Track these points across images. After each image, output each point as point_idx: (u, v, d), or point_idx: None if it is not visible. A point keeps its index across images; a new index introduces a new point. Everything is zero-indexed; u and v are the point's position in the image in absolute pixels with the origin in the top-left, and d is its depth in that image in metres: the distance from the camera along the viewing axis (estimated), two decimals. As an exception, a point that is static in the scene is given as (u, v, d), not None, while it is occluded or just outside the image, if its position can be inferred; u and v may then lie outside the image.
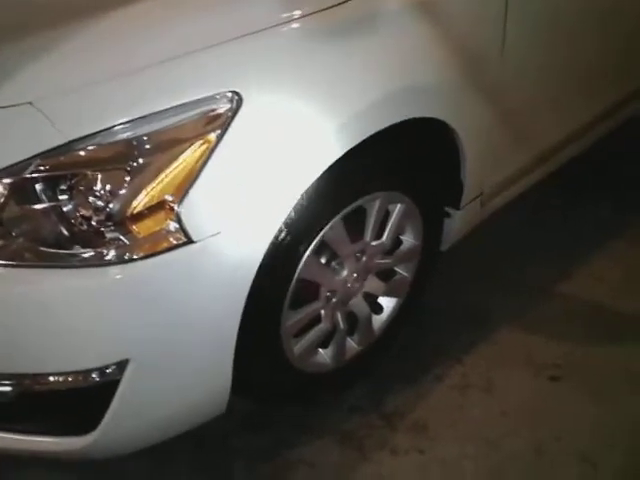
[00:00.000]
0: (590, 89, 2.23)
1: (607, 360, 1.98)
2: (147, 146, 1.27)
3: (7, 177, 1.22)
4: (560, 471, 1.71)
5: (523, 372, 1.96)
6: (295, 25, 1.43)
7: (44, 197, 1.24)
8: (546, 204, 2.58)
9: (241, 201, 1.34)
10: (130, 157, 1.26)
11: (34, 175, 1.22)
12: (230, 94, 1.31)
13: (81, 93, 1.27)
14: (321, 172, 1.44)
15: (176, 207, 1.27)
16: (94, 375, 1.31)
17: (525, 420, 1.83)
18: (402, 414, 1.84)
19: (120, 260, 1.25)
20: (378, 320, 1.89)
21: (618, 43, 2.23)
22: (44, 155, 1.22)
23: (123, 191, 1.25)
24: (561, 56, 1.99)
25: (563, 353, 2.01)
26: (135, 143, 1.26)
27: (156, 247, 1.27)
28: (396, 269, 1.87)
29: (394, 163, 1.69)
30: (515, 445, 1.77)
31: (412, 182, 1.73)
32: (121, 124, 1.26)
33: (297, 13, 1.43)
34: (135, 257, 1.26)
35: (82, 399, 1.35)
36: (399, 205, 1.73)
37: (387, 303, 1.89)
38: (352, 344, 1.85)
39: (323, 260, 1.66)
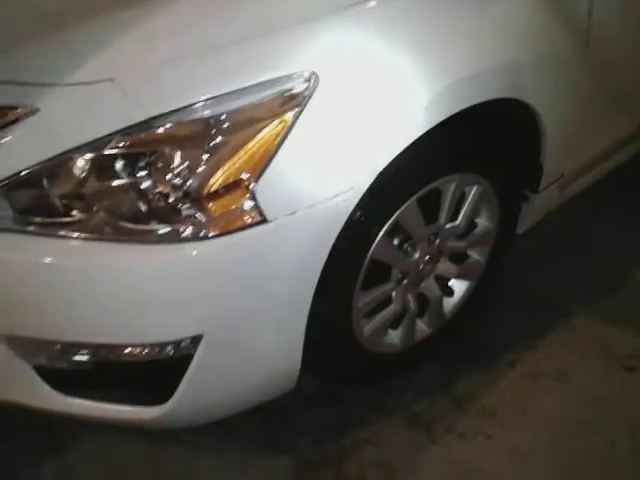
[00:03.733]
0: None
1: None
2: (225, 125, 1.27)
3: (88, 152, 1.25)
4: (635, 463, 1.67)
5: (598, 361, 1.91)
6: (374, 3, 1.41)
7: (123, 173, 1.26)
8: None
9: (316, 181, 1.34)
10: (208, 135, 1.27)
11: (114, 151, 1.25)
12: (307, 73, 1.30)
13: (161, 70, 1.28)
14: (398, 152, 1.41)
15: (252, 186, 1.27)
16: (169, 348, 1.34)
17: (599, 411, 1.78)
18: (472, 398, 1.82)
19: (195, 237, 1.27)
20: (449, 303, 1.87)
21: None
22: (124, 132, 1.24)
23: (200, 169, 1.26)
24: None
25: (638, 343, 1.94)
26: (213, 121, 1.27)
27: (231, 225, 1.28)
28: (469, 252, 1.84)
29: (472, 144, 1.65)
30: (587, 436, 1.72)
31: (490, 164, 1.69)
32: (200, 102, 1.26)
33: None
34: (210, 235, 1.27)
35: (157, 371, 1.38)
36: (475, 187, 1.69)
37: (459, 286, 1.87)
38: (422, 326, 1.83)
39: (396, 242, 1.65)
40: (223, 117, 1.26)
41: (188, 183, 1.26)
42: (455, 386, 1.85)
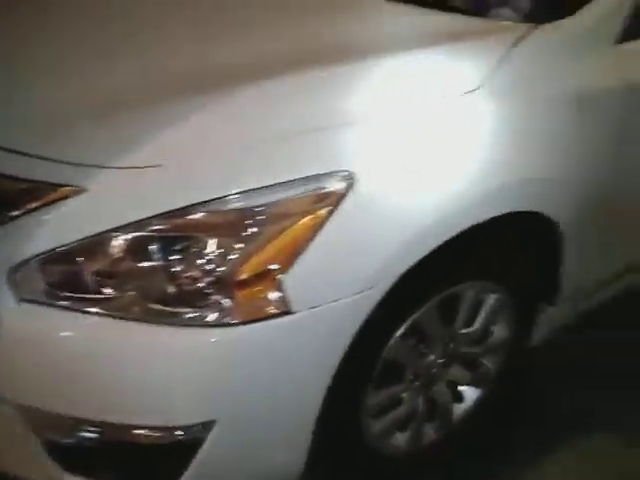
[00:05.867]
0: None
1: None
2: (259, 217, 1.31)
3: (127, 233, 1.28)
4: None
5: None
6: (411, 107, 1.47)
7: (157, 255, 1.29)
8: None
9: (342, 277, 1.36)
10: (242, 226, 1.30)
11: (151, 234, 1.28)
12: (345, 173, 1.35)
13: (206, 160, 1.33)
14: (421, 257, 1.45)
15: (280, 277, 1.30)
16: (179, 432, 1.33)
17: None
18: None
19: (219, 323, 1.28)
20: (458, 409, 1.85)
21: None
22: (163, 216, 1.27)
23: (232, 257, 1.29)
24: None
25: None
26: (248, 213, 1.30)
27: (256, 314, 1.29)
28: (482, 360, 1.84)
29: (493, 253, 1.68)
30: None
31: (508, 274, 1.72)
32: (237, 193, 1.30)
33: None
34: (234, 322, 1.28)
35: (163, 455, 1.37)
36: (493, 295, 1.72)
37: (470, 393, 1.86)
38: (429, 430, 1.81)
39: (412, 342, 1.65)
40: (259, 209, 1.30)
41: (219, 270, 1.28)
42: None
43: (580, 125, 1.67)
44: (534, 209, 1.64)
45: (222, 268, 1.29)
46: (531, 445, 1.95)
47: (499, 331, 1.80)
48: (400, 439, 1.76)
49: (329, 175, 1.34)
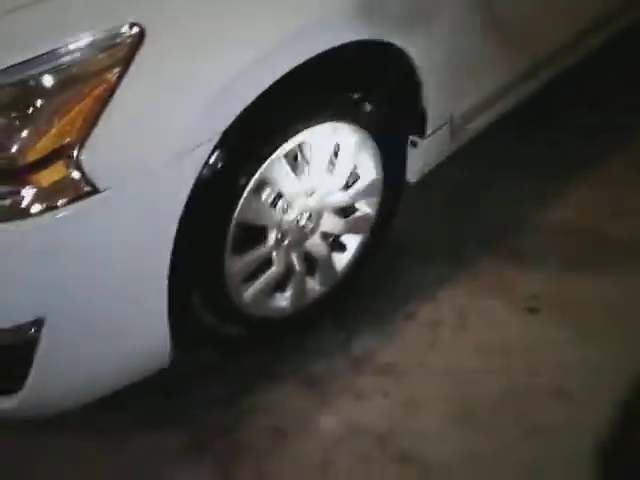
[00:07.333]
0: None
1: (585, 291, 1.87)
2: (42, 88, 1.16)
3: None
4: (536, 409, 1.63)
5: (499, 305, 1.87)
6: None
7: None
8: (531, 127, 2.42)
9: (155, 142, 1.24)
10: (24, 101, 1.16)
11: None
12: (131, 27, 1.19)
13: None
14: (247, 104, 1.32)
15: (77, 153, 1.17)
16: (11, 334, 1.25)
17: (499, 356, 1.74)
18: (369, 356, 1.77)
19: (21, 214, 1.16)
20: (342, 259, 1.79)
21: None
22: None
23: (16, 139, 1.15)
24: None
25: (541, 284, 1.91)
26: (30, 84, 1.16)
27: (59, 198, 1.18)
28: (356, 205, 1.76)
29: (343, 90, 1.56)
30: (487, 383, 1.68)
31: (362, 111, 1.60)
32: (13, 65, 1.15)
33: None
34: (36, 210, 1.17)
35: (6, 359, 1.30)
36: (349, 137, 1.61)
37: (350, 241, 1.79)
38: (314, 285, 1.76)
39: (269, 200, 1.55)
40: (40, 79, 1.15)
41: (3, 156, 1.15)
42: (353, 344, 1.79)
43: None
44: (381, 38, 1.50)
45: (5, 154, 1.15)
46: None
47: (366, 173, 1.70)
48: (282, 300, 1.71)
49: (114, 31, 1.18)
